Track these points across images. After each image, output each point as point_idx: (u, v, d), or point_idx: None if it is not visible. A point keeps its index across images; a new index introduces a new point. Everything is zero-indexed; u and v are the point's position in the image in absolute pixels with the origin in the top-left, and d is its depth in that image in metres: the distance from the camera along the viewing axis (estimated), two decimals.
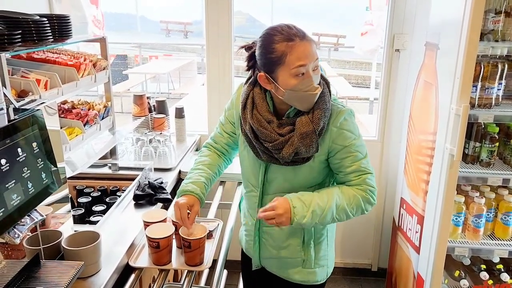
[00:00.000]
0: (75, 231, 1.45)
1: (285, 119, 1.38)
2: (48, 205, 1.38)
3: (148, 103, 2.59)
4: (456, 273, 2.21)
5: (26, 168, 1.09)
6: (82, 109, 1.95)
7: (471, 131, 2.04)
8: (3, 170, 1.01)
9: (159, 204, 1.85)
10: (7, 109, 1.18)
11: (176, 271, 2.06)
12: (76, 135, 1.79)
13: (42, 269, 1.19)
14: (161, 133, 2.42)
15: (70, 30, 1.90)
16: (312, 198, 1.33)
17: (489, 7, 1.85)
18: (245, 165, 1.52)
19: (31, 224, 1.13)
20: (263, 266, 1.61)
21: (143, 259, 1.49)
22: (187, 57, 10.43)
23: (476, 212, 2.05)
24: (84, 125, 1.86)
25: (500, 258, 2.19)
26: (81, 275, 1.25)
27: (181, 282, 1.44)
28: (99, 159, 2.01)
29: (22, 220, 1.10)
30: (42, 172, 1.16)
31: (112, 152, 2.24)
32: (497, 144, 2.04)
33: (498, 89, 1.95)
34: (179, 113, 2.54)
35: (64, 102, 2.02)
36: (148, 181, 1.91)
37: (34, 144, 1.14)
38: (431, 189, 2.05)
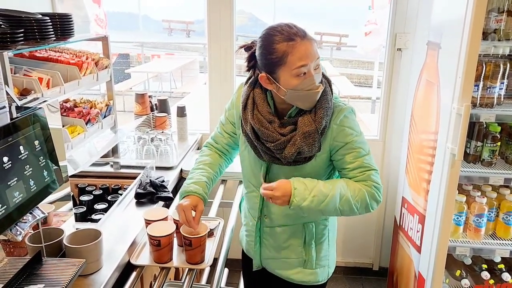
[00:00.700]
0: (76, 229, 1.45)
1: (286, 118, 1.37)
2: (50, 203, 1.39)
3: (150, 101, 2.60)
4: (457, 273, 2.21)
5: (28, 166, 1.09)
6: (84, 108, 1.95)
7: (473, 130, 2.04)
8: (5, 168, 1.01)
9: (161, 203, 1.85)
10: (10, 107, 1.18)
11: (177, 269, 2.06)
12: (78, 134, 1.79)
13: (43, 266, 1.20)
14: (162, 132, 2.42)
15: (73, 29, 1.91)
16: (317, 184, 1.32)
17: (492, 6, 1.85)
18: (245, 165, 1.52)
19: (33, 221, 1.13)
20: (264, 267, 1.61)
21: (144, 257, 1.49)
22: (189, 56, 10.44)
23: (478, 211, 2.05)
24: (86, 124, 1.87)
25: (501, 257, 2.19)
26: (82, 273, 1.26)
27: (182, 280, 1.44)
28: (101, 157, 2.02)
29: (24, 217, 1.11)
30: (44, 170, 1.16)
31: (114, 151, 2.25)
32: (498, 143, 2.04)
33: (500, 89, 1.94)
34: (181, 112, 2.55)
35: (66, 101, 2.03)
36: (150, 180, 1.91)
37: (36, 142, 1.14)
38: (433, 189, 2.05)
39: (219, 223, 1.67)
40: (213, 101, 2.71)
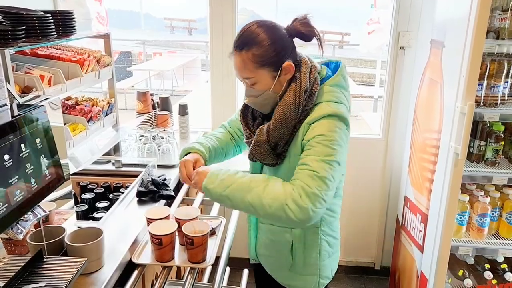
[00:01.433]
0: (78, 227, 1.44)
1: (259, 120, 1.42)
2: (52, 201, 1.38)
3: (152, 100, 2.59)
4: (460, 272, 2.20)
5: (29, 164, 1.09)
6: (85, 106, 1.95)
7: (476, 129, 2.03)
8: (7, 166, 1.01)
9: (162, 201, 1.85)
10: (11, 105, 1.18)
11: (178, 268, 2.06)
12: (80, 132, 1.79)
13: (45, 265, 1.19)
14: (164, 130, 2.42)
15: (74, 26, 1.90)
16: (234, 173, 1.29)
17: (496, 5, 1.84)
18: (249, 164, 1.55)
19: (34, 220, 1.13)
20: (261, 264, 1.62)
21: (146, 256, 1.48)
22: (191, 54, 10.43)
23: (481, 211, 2.04)
24: (88, 122, 1.86)
25: (504, 257, 2.18)
26: (84, 271, 1.25)
27: (184, 279, 1.44)
28: (103, 155, 2.01)
29: (26, 216, 1.10)
30: (46, 168, 1.15)
31: (116, 149, 2.24)
32: (502, 143, 2.03)
33: (504, 88, 1.93)
34: (183, 110, 2.54)
35: (68, 98, 2.02)
36: (152, 178, 1.91)
37: (38, 140, 1.14)
38: (436, 188, 2.04)
39: (221, 222, 1.67)
40: (215, 99, 2.70)
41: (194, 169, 1.40)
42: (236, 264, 2.36)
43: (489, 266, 2.18)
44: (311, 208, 1.17)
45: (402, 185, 2.54)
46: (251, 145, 1.37)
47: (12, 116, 1.10)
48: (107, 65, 2.04)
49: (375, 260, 2.96)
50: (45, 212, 1.17)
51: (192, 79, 9.22)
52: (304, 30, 1.30)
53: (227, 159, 1.62)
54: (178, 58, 9.72)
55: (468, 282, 2.16)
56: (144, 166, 2.07)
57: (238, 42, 1.29)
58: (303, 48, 1.38)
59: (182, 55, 10.45)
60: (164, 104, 2.61)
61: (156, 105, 2.62)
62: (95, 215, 1.73)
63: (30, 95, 1.44)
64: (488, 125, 2.03)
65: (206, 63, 9.33)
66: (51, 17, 1.71)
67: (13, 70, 1.44)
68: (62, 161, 1.23)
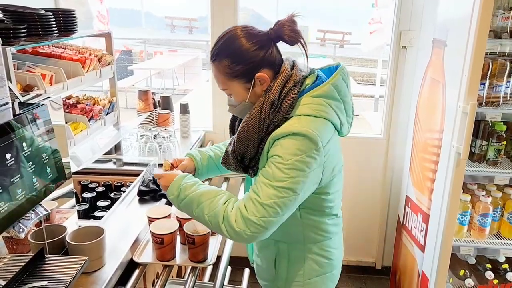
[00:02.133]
0: (79, 226, 1.45)
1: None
2: (53, 200, 1.38)
3: (153, 98, 2.59)
4: (461, 272, 2.20)
5: (31, 163, 1.09)
6: (87, 104, 1.95)
7: (478, 129, 2.02)
8: (8, 165, 1.01)
9: (164, 200, 1.84)
10: (13, 104, 1.18)
11: (180, 267, 2.06)
12: (81, 130, 1.79)
13: (46, 263, 1.19)
14: (165, 129, 2.41)
15: (76, 25, 1.90)
16: (193, 184, 1.26)
17: (498, 4, 1.83)
18: None
19: (36, 218, 1.13)
20: None
21: (147, 255, 1.48)
22: (192, 53, 10.43)
23: (482, 211, 2.04)
24: (89, 120, 1.86)
25: (506, 257, 2.18)
26: (85, 270, 1.25)
27: (185, 278, 1.44)
28: (104, 154, 2.01)
29: (27, 214, 1.10)
30: (47, 167, 1.15)
31: (117, 148, 2.24)
32: (504, 142, 2.03)
33: (506, 87, 1.93)
34: (184, 109, 2.54)
35: (69, 97, 2.02)
36: (153, 177, 1.90)
37: (39, 139, 1.14)
38: (437, 188, 2.04)
39: None
40: (216, 98, 2.70)
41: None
42: (237, 263, 2.36)
43: (490, 266, 2.18)
44: (244, 232, 1.14)
45: (404, 184, 2.54)
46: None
47: (14, 115, 1.10)
48: (108, 64, 2.04)
49: (376, 260, 2.95)
50: (47, 211, 1.17)
51: (193, 78, 9.22)
52: (288, 35, 1.21)
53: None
54: (179, 57, 9.72)
55: (469, 282, 2.16)
56: (145, 165, 2.07)
57: (211, 52, 1.25)
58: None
59: (183, 54, 10.45)
60: (165, 103, 2.61)
61: (157, 104, 2.62)
62: (96, 214, 1.73)
63: (32, 94, 1.44)
64: (490, 124, 2.03)
65: (207, 62, 9.32)
66: (52, 16, 1.71)
67: (14, 69, 1.44)
68: (63, 160, 1.23)
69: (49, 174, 1.16)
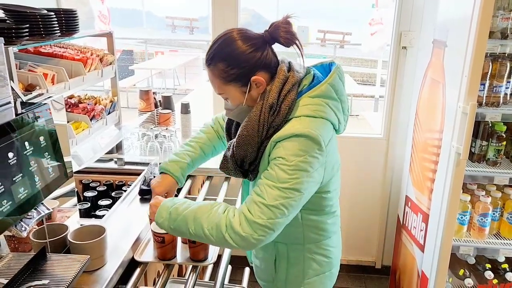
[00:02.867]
0: (81, 225, 1.45)
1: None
2: (54, 198, 1.39)
3: (154, 98, 2.60)
4: (461, 272, 2.20)
5: (33, 162, 1.09)
6: (88, 104, 1.95)
7: (478, 129, 2.03)
8: (10, 164, 1.01)
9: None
10: (15, 103, 1.18)
11: (180, 266, 2.07)
12: (83, 130, 1.79)
13: (48, 262, 1.20)
14: (166, 129, 2.42)
15: (77, 25, 1.90)
16: (182, 203, 1.24)
17: (499, 5, 1.84)
18: None
19: (38, 217, 1.13)
20: None
21: (148, 254, 1.49)
22: (193, 53, 10.43)
23: (482, 211, 2.04)
24: (91, 120, 1.87)
25: (505, 257, 2.18)
26: (86, 269, 1.26)
27: (186, 277, 1.44)
28: (105, 153, 2.01)
29: (29, 213, 1.11)
30: (49, 166, 1.16)
31: (118, 147, 2.25)
32: (504, 143, 2.03)
33: (506, 88, 1.93)
34: (185, 109, 2.54)
35: (71, 97, 2.03)
36: (154, 176, 1.91)
37: (41, 138, 1.14)
38: (437, 188, 2.05)
39: None
40: (217, 98, 2.70)
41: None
42: (237, 262, 2.37)
43: (490, 266, 2.18)
44: (251, 236, 1.13)
45: (403, 184, 2.54)
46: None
47: (16, 114, 1.10)
48: (110, 64, 2.05)
49: (376, 259, 2.96)
50: (49, 209, 1.17)
51: (194, 78, 9.23)
52: (283, 37, 1.20)
53: (214, 156, 1.58)
54: (180, 57, 9.73)
55: (469, 281, 2.16)
56: (146, 164, 2.07)
57: (206, 56, 1.23)
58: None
59: (183, 54, 10.46)
60: (166, 102, 2.61)
61: (159, 103, 2.63)
62: (98, 213, 1.74)
63: (34, 93, 1.45)
64: (490, 125, 2.03)
65: None
66: (54, 16, 1.71)
67: (16, 68, 1.44)
68: (65, 159, 1.24)
69: (51, 173, 1.17)
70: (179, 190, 1.95)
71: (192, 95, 6.64)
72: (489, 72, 1.88)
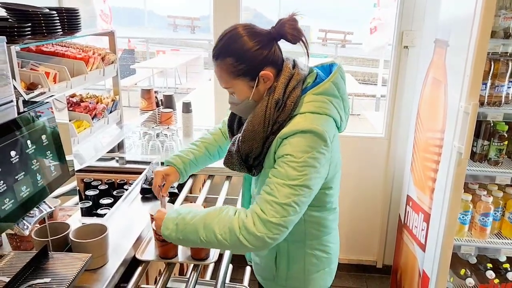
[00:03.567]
0: (82, 223, 1.46)
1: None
2: (56, 197, 1.39)
3: (156, 97, 2.60)
4: (462, 272, 2.20)
5: (35, 161, 1.09)
6: (90, 103, 1.96)
7: (480, 129, 2.02)
8: (13, 162, 1.02)
9: (166, 198, 1.85)
10: (17, 102, 1.19)
11: (182, 264, 2.07)
12: (84, 128, 1.80)
13: (50, 260, 1.20)
14: (168, 128, 2.42)
15: (79, 24, 1.91)
16: (187, 212, 1.24)
17: (501, 4, 1.83)
18: None
19: (40, 216, 1.14)
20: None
21: (149, 253, 1.49)
22: (194, 52, 10.43)
23: (483, 210, 2.04)
24: (92, 119, 1.87)
25: (506, 257, 2.18)
26: (88, 267, 1.26)
27: (187, 276, 1.45)
28: (107, 152, 2.02)
29: (31, 211, 1.11)
30: (51, 165, 1.16)
31: (120, 146, 2.25)
32: (506, 142, 2.03)
33: (508, 87, 1.93)
34: (186, 108, 2.55)
35: (73, 95, 2.03)
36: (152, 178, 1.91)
37: (43, 137, 1.15)
38: (438, 187, 2.04)
39: None
40: (219, 97, 2.70)
41: (164, 181, 1.45)
42: (239, 261, 2.37)
43: (491, 266, 2.18)
44: (266, 236, 1.14)
45: (405, 184, 2.54)
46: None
47: (18, 113, 1.11)
48: (112, 63, 2.05)
49: (377, 259, 2.96)
50: (51, 208, 1.18)
51: (195, 77, 9.23)
52: (290, 33, 1.21)
53: (222, 158, 1.54)
54: (181, 56, 9.73)
55: (470, 281, 2.16)
56: (147, 163, 2.08)
57: (214, 50, 1.24)
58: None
59: (185, 53, 10.46)
60: (168, 101, 2.62)
61: (160, 102, 2.63)
62: (99, 211, 1.74)
63: (36, 92, 1.45)
64: (492, 124, 2.03)
65: (209, 61, 9.33)
66: (56, 14, 1.72)
67: (18, 67, 1.44)
68: (67, 158, 1.24)
69: (53, 171, 1.17)
70: (180, 189, 1.95)
71: (193, 94, 6.64)
72: (491, 72, 1.88)
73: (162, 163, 2.13)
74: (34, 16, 1.62)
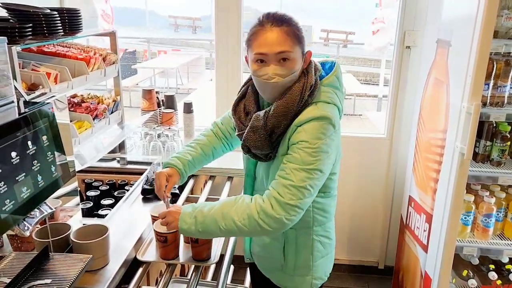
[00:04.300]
0: (83, 224, 1.45)
1: (251, 115, 1.37)
2: (57, 198, 1.39)
3: (157, 97, 2.60)
4: (464, 273, 2.19)
5: (36, 161, 1.09)
6: (91, 103, 1.95)
7: (482, 129, 2.01)
8: (14, 163, 1.01)
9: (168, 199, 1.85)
10: (18, 102, 1.18)
11: (183, 265, 2.07)
12: (86, 129, 1.79)
13: (51, 261, 1.20)
14: (169, 128, 2.42)
15: (81, 24, 1.90)
16: (204, 206, 1.29)
17: (503, 4, 1.83)
18: (243, 159, 1.54)
19: (41, 216, 1.13)
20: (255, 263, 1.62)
21: (150, 253, 1.49)
22: (196, 53, 10.44)
23: (486, 211, 2.03)
24: (93, 119, 1.87)
25: (509, 258, 2.17)
26: (89, 268, 1.26)
27: (188, 277, 1.44)
28: (108, 153, 2.02)
29: (32, 212, 1.11)
30: (52, 165, 1.16)
31: (121, 146, 2.25)
32: (508, 143, 2.02)
33: (511, 88, 1.92)
34: (188, 108, 2.54)
35: (74, 96, 2.03)
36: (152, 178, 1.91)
37: (44, 137, 1.14)
38: (440, 188, 2.04)
39: None
40: (220, 98, 2.70)
41: (167, 182, 1.46)
42: (240, 262, 2.36)
43: (493, 267, 2.18)
44: (285, 217, 1.21)
45: (407, 184, 2.53)
46: (245, 133, 1.34)
47: (19, 113, 1.10)
48: (113, 63, 2.05)
49: (378, 260, 2.95)
50: (52, 209, 1.17)
51: (196, 77, 9.24)
52: None
53: (216, 158, 1.62)
54: (183, 56, 9.74)
55: (473, 282, 2.15)
56: (149, 163, 2.07)
57: (274, 18, 1.27)
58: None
59: (186, 53, 10.47)
60: (169, 102, 2.61)
61: (161, 103, 2.63)
62: (100, 212, 1.74)
63: (37, 92, 1.45)
64: (494, 125, 2.02)
65: (210, 62, 9.33)
66: (57, 15, 1.71)
67: (20, 68, 1.44)
68: (68, 158, 1.24)
69: (54, 172, 1.17)
70: (181, 189, 1.95)
71: (194, 95, 6.64)
72: (494, 72, 1.87)
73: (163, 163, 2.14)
74: (35, 17, 1.62)
